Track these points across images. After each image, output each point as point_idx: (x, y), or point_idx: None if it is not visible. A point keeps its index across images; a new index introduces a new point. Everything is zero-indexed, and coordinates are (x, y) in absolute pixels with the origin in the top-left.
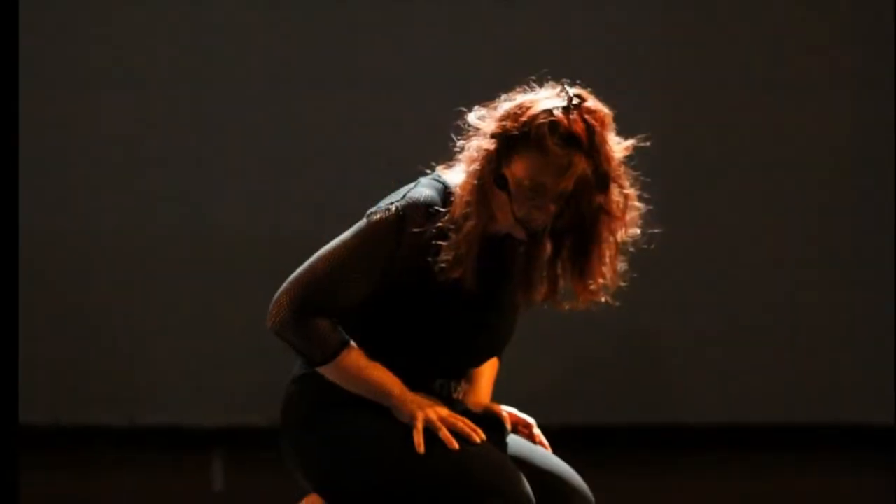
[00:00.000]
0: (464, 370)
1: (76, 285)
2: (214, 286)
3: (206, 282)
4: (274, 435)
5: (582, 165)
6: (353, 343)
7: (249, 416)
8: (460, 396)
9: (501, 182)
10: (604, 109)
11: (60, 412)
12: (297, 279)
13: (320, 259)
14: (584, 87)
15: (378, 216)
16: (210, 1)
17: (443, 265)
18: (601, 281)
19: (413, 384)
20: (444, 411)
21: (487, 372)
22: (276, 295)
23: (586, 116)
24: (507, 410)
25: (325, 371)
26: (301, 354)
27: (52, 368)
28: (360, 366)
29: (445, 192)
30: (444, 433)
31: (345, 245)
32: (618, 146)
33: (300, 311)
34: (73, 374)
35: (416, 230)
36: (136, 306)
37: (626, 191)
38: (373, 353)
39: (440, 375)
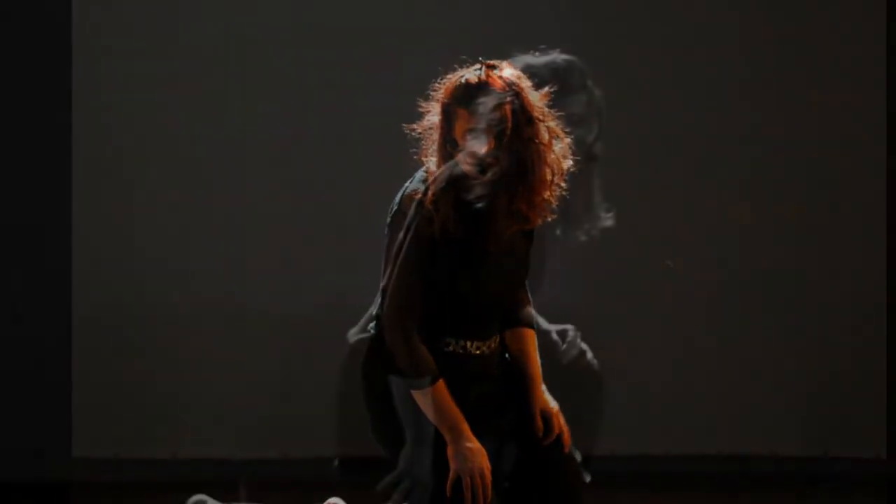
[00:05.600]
0: (501, 302)
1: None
2: (232, 353)
3: (228, 351)
4: (286, 465)
5: (505, 107)
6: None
7: (267, 451)
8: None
9: (454, 144)
10: (517, 72)
11: (119, 448)
12: (392, 296)
13: (399, 274)
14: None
15: (400, 224)
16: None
17: (441, 223)
18: (546, 195)
19: (460, 329)
20: (480, 467)
21: (531, 347)
22: (386, 319)
23: (501, 75)
24: (554, 408)
25: (415, 393)
26: (400, 371)
27: (113, 414)
28: (444, 397)
29: (428, 174)
30: (467, 494)
31: (406, 258)
32: (536, 93)
33: (406, 320)
34: (130, 416)
35: (423, 212)
36: (178, 364)
37: (549, 124)
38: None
39: (483, 311)
